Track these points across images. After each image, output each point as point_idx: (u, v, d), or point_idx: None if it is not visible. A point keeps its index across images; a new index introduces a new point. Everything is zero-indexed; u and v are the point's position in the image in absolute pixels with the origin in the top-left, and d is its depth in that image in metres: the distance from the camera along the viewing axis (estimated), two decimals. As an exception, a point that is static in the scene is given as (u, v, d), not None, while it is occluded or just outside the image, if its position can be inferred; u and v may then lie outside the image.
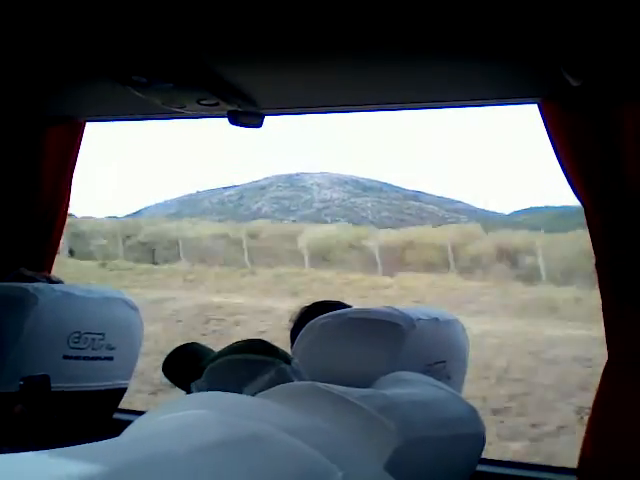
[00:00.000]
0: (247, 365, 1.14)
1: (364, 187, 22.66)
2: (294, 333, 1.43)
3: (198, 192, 24.40)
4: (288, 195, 22.44)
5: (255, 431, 0.72)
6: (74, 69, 1.36)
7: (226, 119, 1.42)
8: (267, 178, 24.04)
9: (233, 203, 22.47)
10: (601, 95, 1.25)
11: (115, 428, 0.70)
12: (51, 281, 1.66)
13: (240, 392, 1.07)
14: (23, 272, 1.66)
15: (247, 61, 1.24)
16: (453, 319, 1.43)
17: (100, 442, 0.60)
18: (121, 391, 1.72)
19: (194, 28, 1.09)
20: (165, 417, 0.77)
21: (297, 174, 23.86)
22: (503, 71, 1.23)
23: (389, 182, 23.34)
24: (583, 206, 1.33)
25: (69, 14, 1.05)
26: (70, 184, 1.87)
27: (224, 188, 24.03)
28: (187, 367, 1.22)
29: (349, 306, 1.48)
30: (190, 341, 1.33)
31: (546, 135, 1.33)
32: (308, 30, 1.06)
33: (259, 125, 1.47)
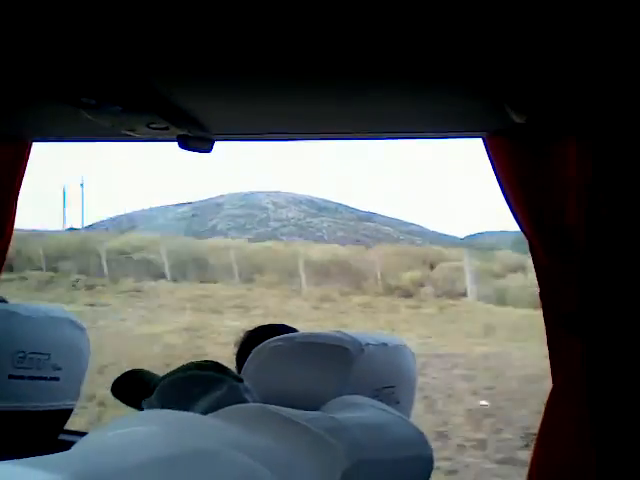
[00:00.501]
0: (198, 381, 1.15)
1: (319, 207, 22.71)
2: (240, 357, 1.44)
3: (151, 209, 24.01)
4: (243, 213, 22.33)
5: (201, 447, 0.73)
6: (22, 90, 1.35)
7: (176, 143, 1.42)
8: (222, 196, 23.84)
9: (187, 220, 22.18)
10: (545, 130, 1.28)
11: (61, 449, 0.69)
12: (-5, 300, 1.63)
13: (191, 409, 1.07)
14: (-33, 292, 1.63)
15: (198, 86, 1.24)
16: (401, 344, 1.45)
17: (50, 455, 0.60)
18: (67, 412, 1.70)
19: (145, 51, 1.09)
20: (113, 433, 0.77)
21: (252, 192, 23.76)
22: (449, 106, 1.25)
23: (343, 203, 23.45)
24: (527, 238, 1.36)
25: (18, 35, 1.04)
26: (15, 204, 1.84)
27: (177, 205, 23.75)
28: (137, 388, 1.21)
29: (293, 329, 1.50)
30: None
31: (491, 169, 1.36)
32: (259, 57, 1.07)
33: (209, 150, 1.47)
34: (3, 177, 1.79)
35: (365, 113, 1.32)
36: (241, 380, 1.18)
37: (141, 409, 1.18)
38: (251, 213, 22.33)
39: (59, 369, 1.63)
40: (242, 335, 1.55)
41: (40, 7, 0.93)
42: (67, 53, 1.11)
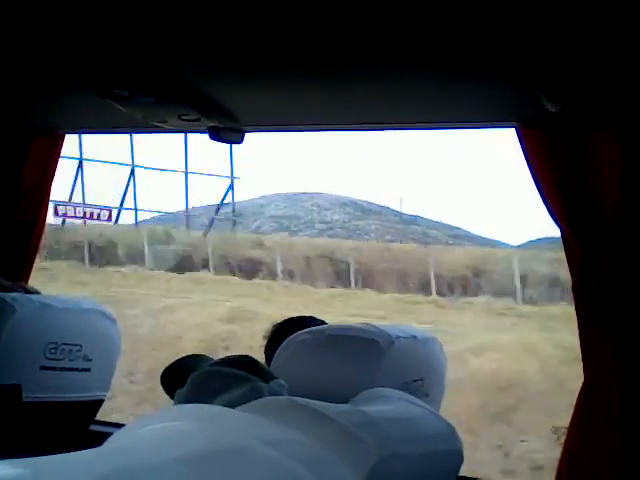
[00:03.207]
0: (220, 378, 1.14)
1: (363, 209, 22.52)
2: (269, 350, 1.44)
3: (194, 208, 23.93)
4: (287, 215, 22.12)
5: (235, 443, 0.73)
6: (55, 82, 1.37)
7: (207, 135, 1.43)
8: (264, 197, 23.62)
9: (229, 221, 22.10)
10: (579, 120, 1.26)
11: (91, 440, 0.70)
12: (28, 291, 1.66)
13: (210, 404, 1.07)
14: (0, 282, 1.65)
15: (229, 77, 1.24)
16: (431, 337, 1.44)
17: (83, 451, 0.61)
18: (98, 402, 1.72)
19: (176, 43, 1.09)
20: (147, 429, 0.77)
21: (294, 194, 23.54)
22: (481, 95, 1.24)
23: (387, 205, 23.16)
24: (560, 230, 1.35)
25: (53, 27, 1.05)
26: (49, 195, 1.87)
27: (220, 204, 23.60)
28: (177, 378, 1.22)
29: (322, 321, 1.49)
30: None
31: (524, 160, 1.34)
32: (290, 48, 1.07)
33: (240, 141, 1.47)
34: (37, 169, 1.81)
35: (396, 103, 1.32)
36: (270, 379, 1.17)
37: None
38: (295, 215, 22.17)
39: (90, 360, 1.65)
40: (270, 328, 1.55)
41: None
42: (100, 45, 1.12)
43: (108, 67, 1.21)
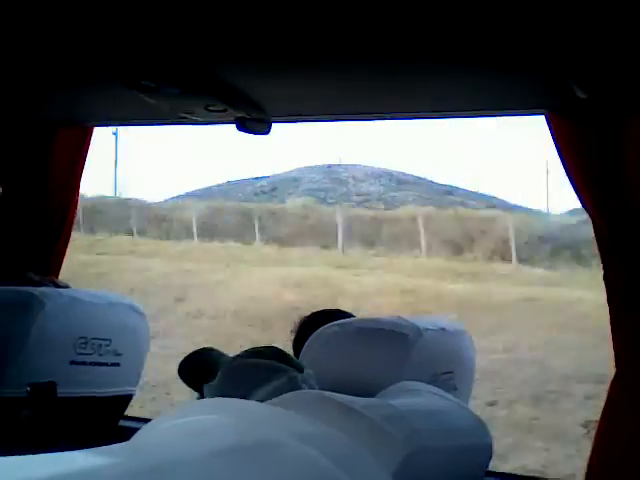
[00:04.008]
0: (259, 370, 1.14)
1: (399, 181, 22.17)
2: (297, 343, 1.43)
3: (229, 182, 23.77)
4: (323, 187, 21.88)
5: (268, 437, 0.73)
6: (84, 74, 1.37)
7: (234, 125, 1.42)
8: (299, 169, 23.46)
9: (266, 194, 21.91)
10: (609, 108, 1.24)
11: (121, 435, 0.70)
12: (58, 286, 1.66)
13: (250, 397, 1.07)
14: (30, 276, 1.66)
15: (255, 68, 1.24)
16: (461, 329, 1.43)
17: (112, 445, 0.61)
18: (127, 397, 1.72)
19: (203, 34, 1.09)
20: (178, 422, 0.77)
21: (329, 166, 23.31)
22: (510, 82, 1.23)
23: (422, 176, 22.73)
24: (590, 217, 1.32)
25: (80, 20, 1.05)
26: (78, 188, 1.87)
27: (255, 179, 23.43)
28: (202, 370, 1.22)
29: (349, 313, 1.49)
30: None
31: (554, 147, 1.32)
32: (316, 38, 1.06)
33: (267, 132, 1.47)
34: (65, 162, 1.82)
35: (426, 91, 1.31)
36: (302, 370, 1.17)
37: (202, 393, 1.19)
38: (331, 187, 21.84)
39: (119, 355, 1.64)
40: (298, 321, 1.54)
41: None
42: (126, 37, 1.12)
43: (135, 58, 1.21)
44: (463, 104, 1.38)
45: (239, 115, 1.40)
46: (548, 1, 0.88)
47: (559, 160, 1.33)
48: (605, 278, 1.32)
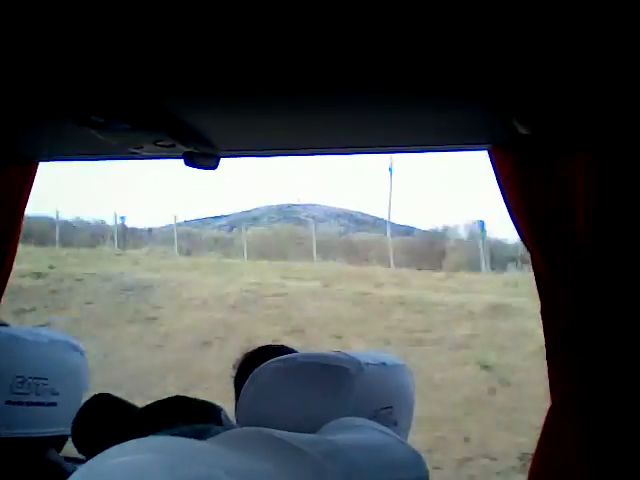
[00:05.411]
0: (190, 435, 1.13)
1: (357, 221, 22.31)
2: (239, 379, 1.42)
3: (186, 222, 23.47)
4: None
5: (203, 475, 0.72)
6: (30, 109, 1.36)
7: (182, 160, 1.43)
8: (258, 208, 23.44)
9: (227, 233, 21.71)
10: (550, 143, 1.28)
11: (57, 476, 0.68)
12: (-4, 324, 1.62)
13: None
14: (-33, 316, 1.61)
15: (204, 103, 1.25)
16: (401, 364, 1.43)
17: None
18: (63, 438, 1.66)
19: (152, 69, 1.10)
20: (114, 462, 0.75)
21: (288, 205, 23.37)
22: (453, 118, 1.25)
23: (379, 216, 22.87)
24: (529, 253, 1.35)
25: (27, 54, 1.05)
26: (20, 224, 1.84)
27: (214, 217, 23.36)
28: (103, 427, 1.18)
29: (293, 349, 1.48)
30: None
31: (495, 182, 1.36)
32: (263, 74, 1.08)
33: (214, 167, 1.48)
34: (9, 198, 1.79)
35: (369, 127, 1.33)
36: (219, 412, 1.15)
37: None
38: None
39: (57, 394, 1.60)
40: (240, 357, 1.53)
41: (49, 26, 0.94)
42: (75, 72, 1.12)
43: (84, 93, 1.21)
44: (405, 139, 1.41)
45: (187, 150, 1.41)
46: (490, 37, 0.91)
47: (500, 194, 1.36)
48: (542, 312, 1.34)
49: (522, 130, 1.15)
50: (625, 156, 1.22)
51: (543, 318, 1.33)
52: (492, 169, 1.35)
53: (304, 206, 23.40)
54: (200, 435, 1.12)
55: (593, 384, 1.25)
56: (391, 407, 1.36)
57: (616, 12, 0.83)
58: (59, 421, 1.62)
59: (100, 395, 1.29)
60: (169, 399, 1.20)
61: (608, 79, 1.02)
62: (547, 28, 0.87)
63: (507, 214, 1.35)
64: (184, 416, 1.19)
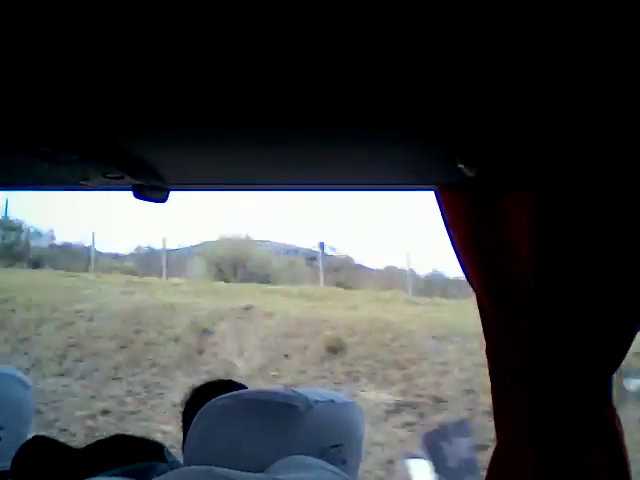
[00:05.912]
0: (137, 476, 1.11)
1: (307, 256, 22.38)
2: (187, 414, 1.40)
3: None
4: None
5: None
6: None
7: (131, 192, 1.42)
8: (208, 242, 23.33)
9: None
10: (494, 184, 1.29)
11: None
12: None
13: None
14: None
15: (153, 136, 1.24)
16: (350, 402, 1.43)
17: None
18: (6, 474, 1.62)
19: (101, 101, 1.09)
20: None
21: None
22: (398, 159, 1.26)
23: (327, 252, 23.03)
24: (475, 292, 1.36)
25: None
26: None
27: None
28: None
29: (242, 385, 1.47)
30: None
31: (442, 221, 1.37)
32: (214, 109, 1.07)
33: (164, 200, 1.46)
34: None
35: (317, 165, 1.33)
36: (162, 449, 1.13)
37: None
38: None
39: (1, 428, 1.57)
40: (188, 393, 1.52)
41: None
42: (23, 102, 1.11)
43: (31, 124, 1.19)
44: (352, 178, 1.41)
45: (136, 182, 1.40)
46: (434, 81, 0.91)
47: (447, 236, 1.37)
48: (487, 352, 1.35)
49: (467, 172, 1.16)
50: (569, 197, 1.24)
51: (489, 357, 1.34)
52: (438, 209, 1.37)
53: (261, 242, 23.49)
54: (145, 474, 1.11)
55: (540, 423, 1.26)
56: (341, 445, 1.35)
57: (554, 64, 0.85)
58: (2, 456, 1.58)
59: (39, 437, 1.26)
60: (109, 438, 1.18)
61: (552, 121, 1.04)
62: (492, 70, 0.88)
63: (454, 255, 1.36)
64: (126, 455, 1.17)
